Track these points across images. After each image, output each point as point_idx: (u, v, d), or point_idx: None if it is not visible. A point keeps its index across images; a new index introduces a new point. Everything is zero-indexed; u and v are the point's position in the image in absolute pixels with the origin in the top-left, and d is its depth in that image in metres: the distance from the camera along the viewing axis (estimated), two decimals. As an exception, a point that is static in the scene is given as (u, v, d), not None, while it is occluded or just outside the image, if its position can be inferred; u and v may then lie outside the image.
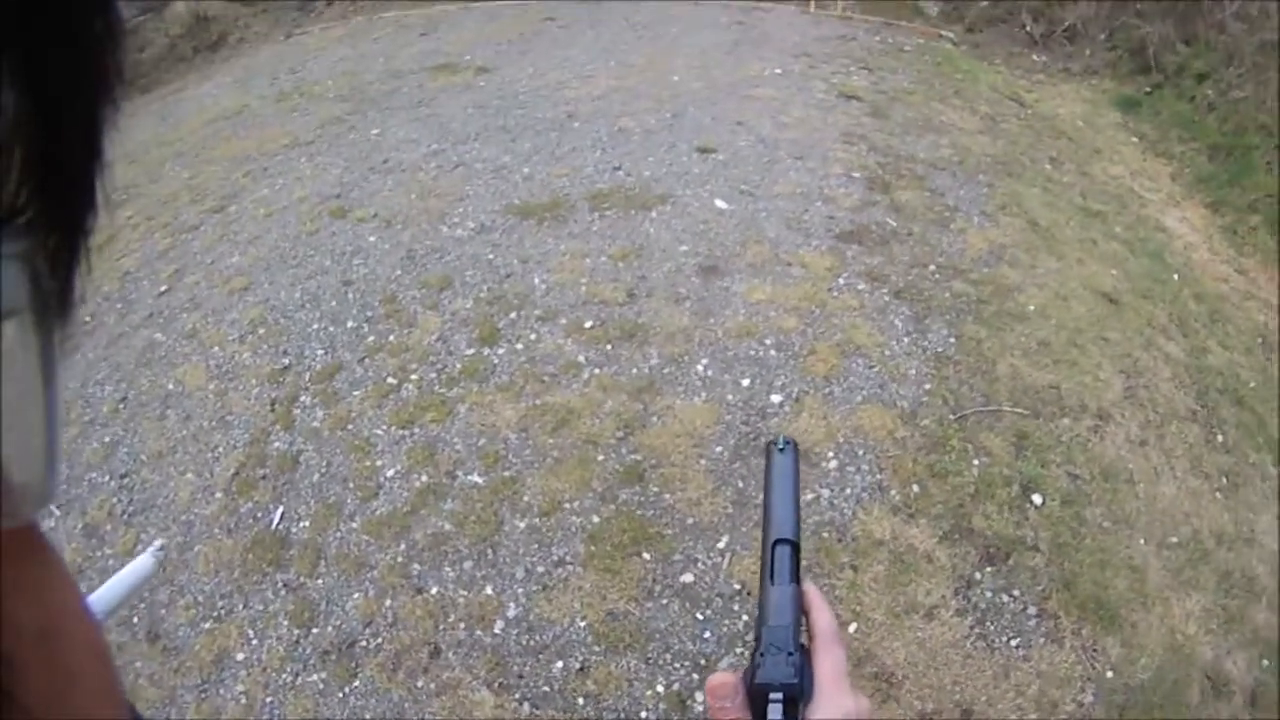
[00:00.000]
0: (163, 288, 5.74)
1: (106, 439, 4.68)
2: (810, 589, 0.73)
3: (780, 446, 0.80)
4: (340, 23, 12.31)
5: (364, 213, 6.03)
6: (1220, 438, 4.92)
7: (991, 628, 3.63)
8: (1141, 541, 4.16)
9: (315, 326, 5.04)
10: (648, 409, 4.27)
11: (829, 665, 0.68)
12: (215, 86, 10.25)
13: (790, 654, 0.66)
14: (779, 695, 0.64)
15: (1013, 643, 3.60)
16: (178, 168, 7.63)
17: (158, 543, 1.90)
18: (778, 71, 8.55)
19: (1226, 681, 3.81)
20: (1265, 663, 3.96)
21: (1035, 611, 3.74)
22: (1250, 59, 9.26)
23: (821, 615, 0.71)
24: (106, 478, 4.46)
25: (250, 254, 5.87)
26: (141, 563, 1.47)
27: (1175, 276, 6.23)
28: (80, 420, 4.88)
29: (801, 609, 0.71)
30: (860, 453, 4.11)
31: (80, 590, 0.43)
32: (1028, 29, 11.55)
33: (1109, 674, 3.60)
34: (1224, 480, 4.69)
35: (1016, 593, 3.78)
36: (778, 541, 0.74)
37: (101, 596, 1.39)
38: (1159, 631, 3.83)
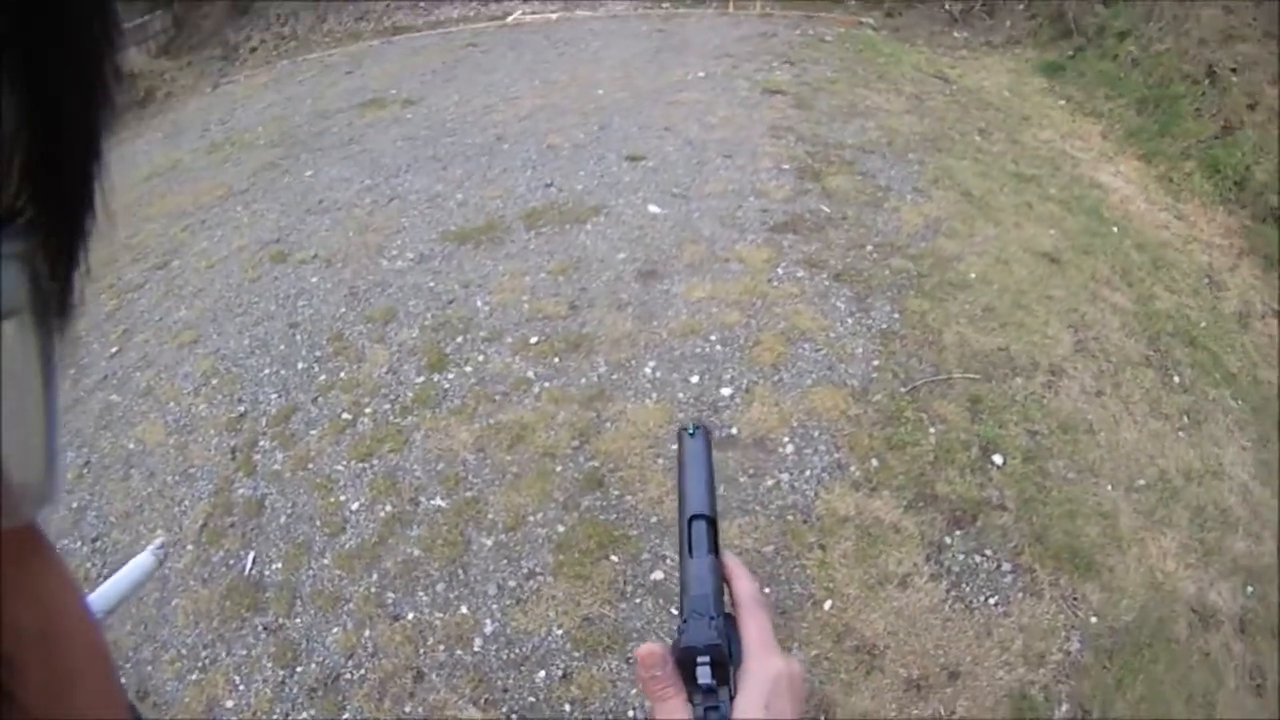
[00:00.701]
0: (113, 349, 5.73)
1: (74, 504, 4.68)
2: (729, 558, 0.74)
3: (691, 431, 0.83)
4: (265, 69, 12.36)
5: (304, 255, 6.09)
6: (1176, 379, 5.04)
7: (968, 589, 3.70)
8: (1109, 488, 4.25)
9: (267, 371, 5.08)
10: (600, 416, 4.35)
11: (754, 629, 0.69)
12: (146, 143, 10.23)
13: (712, 618, 0.68)
14: (706, 658, 0.65)
15: (991, 601, 3.67)
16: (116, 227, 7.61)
17: (158, 540, 1.88)
18: (701, 74, 8.74)
19: (1213, 612, 3.91)
20: (1250, 589, 4.07)
21: (1010, 568, 3.80)
22: (1169, 12, 9.51)
23: (742, 582, 0.72)
24: (78, 543, 4.46)
25: (196, 307, 5.89)
26: (142, 560, 1.48)
27: (1114, 229, 6.37)
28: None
29: (722, 578, 0.72)
30: (816, 434, 4.18)
31: (80, 590, 0.43)
32: (946, 7, 11.83)
33: (1092, 619, 3.68)
34: (1185, 419, 4.81)
35: (989, 552, 3.84)
36: (694, 517, 0.75)
37: (102, 595, 1.41)
38: (1137, 572, 3.92)
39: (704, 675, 0.66)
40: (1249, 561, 4.19)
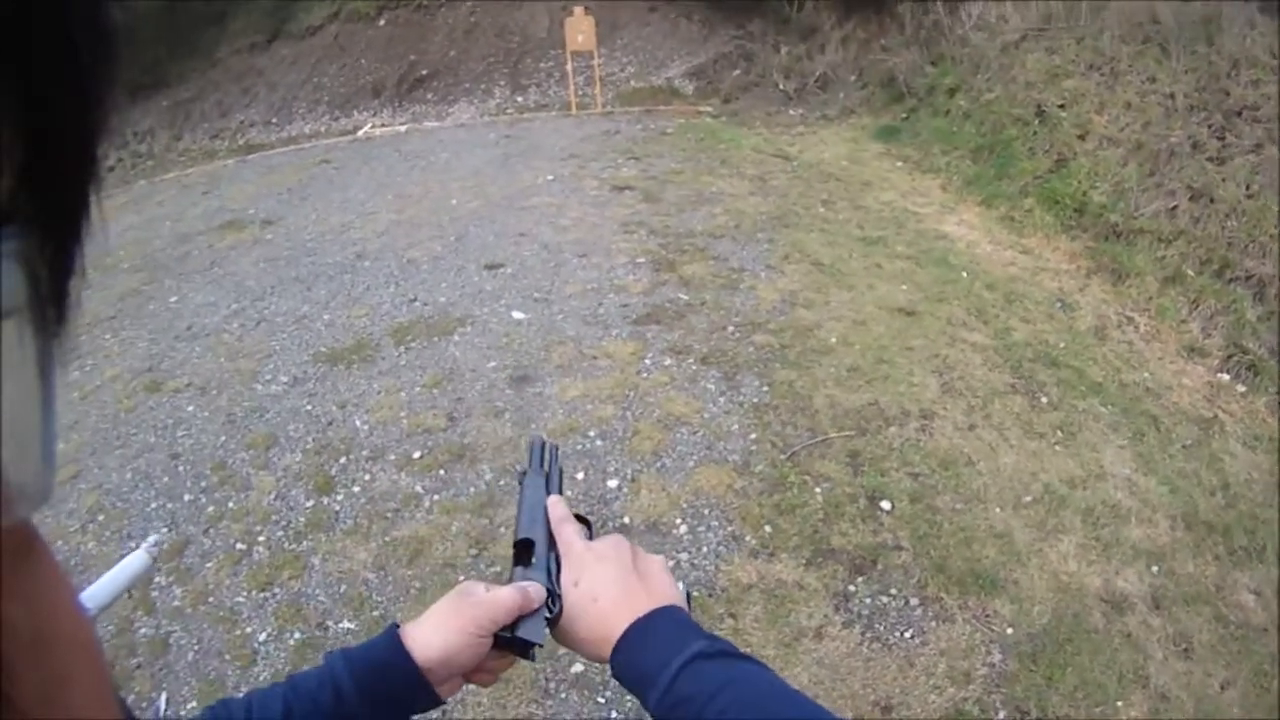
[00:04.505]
0: (-10, 493, 6.01)
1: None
2: (551, 499, 1.12)
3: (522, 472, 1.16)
4: (123, 189, 13.06)
5: (178, 383, 6.55)
6: (1044, 399, 6.08)
7: (881, 628, 4.43)
8: (998, 510, 5.15)
9: (153, 505, 5.40)
10: (494, 522, 5.01)
11: (566, 534, 1.06)
12: (0, 269, 10.58)
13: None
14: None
15: (906, 635, 4.40)
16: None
17: (152, 538, 2.00)
18: (550, 178, 10.01)
19: (1123, 598, 4.77)
20: (1155, 569, 4.98)
21: (918, 602, 4.57)
22: (995, 61, 11.18)
23: (556, 508, 1.10)
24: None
25: (74, 440, 6.19)
26: (136, 559, 1.76)
27: (964, 274, 7.59)
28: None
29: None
30: (706, 512, 4.98)
31: (73, 589, 0.48)
32: (781, 87, 13.56)
33: (1009, 630, 4.46)
34: (1059, 434, 5.83)
35: (894, 591, 4.61)
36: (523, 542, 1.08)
37: (96, 593, 1.65)
38: (1041, 579, 4.78)
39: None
40: (1148, 545, 5.14)
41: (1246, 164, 8.44)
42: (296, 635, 4.46)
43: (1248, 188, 8.22)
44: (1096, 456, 5.66)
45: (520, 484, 1.13)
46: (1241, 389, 6.70)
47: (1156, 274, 7.69)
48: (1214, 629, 4.75)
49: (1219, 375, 6.82)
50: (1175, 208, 8.24)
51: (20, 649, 0.40)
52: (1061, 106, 9.89)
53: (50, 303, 0.37)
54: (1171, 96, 9.53)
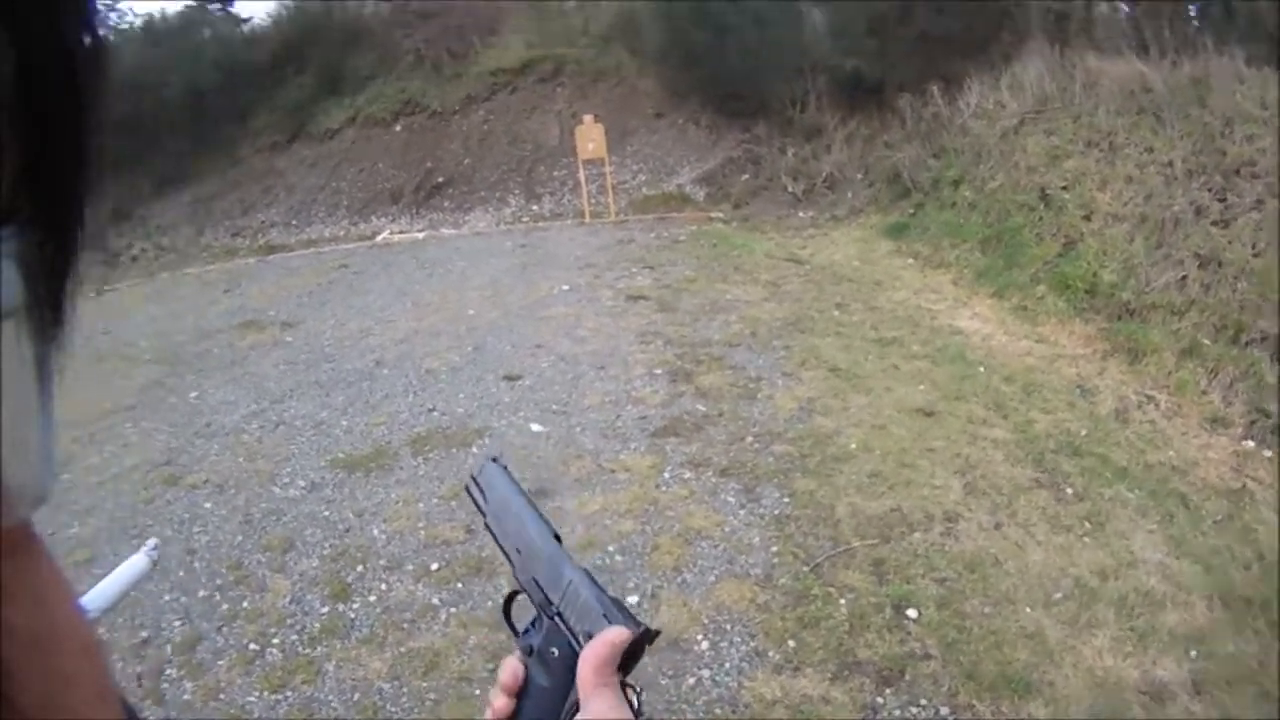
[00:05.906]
0: (3, 568, 6.00)
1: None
2: None
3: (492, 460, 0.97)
4: (146, 280, 13.64)
5: (195, 479, 6.62)
6: (1069, 490, 6.09)
7: (912, 741, 4.39)
8: (1028, 610, 5.11)
9: (168, 598, 5.39)
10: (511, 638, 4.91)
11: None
12: (33, 342, 10.80)
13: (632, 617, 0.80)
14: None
15: (938, 745, 4.38)
16: (0, 439, 7.98)
17: (151, 541, 1.98)
18: (566, 288, 10.28)
19: (1163, 687, 4.70)
20: (1193, 653, 4.91)
21: (949, 711, 4.52)
22: (996, 148, 11.45)
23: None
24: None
25: (90, 524, 6.24)
26: (135, 562, 1.76)
27: (981, 369, 7.70)
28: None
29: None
30: (728, 627, 4.97)
31: (74, 591, 0.48)
32: (790, 189, 13.87)
33: None
34: (1087, 525, 5.83)
35: (924, 701, 4.57)
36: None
37: (95, 596, 1.64)
38: (1078, 676, 4.71)
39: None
40: (1185, 629, 5.08)
41: (1250, 222, 8.57)
42: (311, 741, 4.47)
43: (1254, 246, 8.33)
44: (1126, 544, 5.64)
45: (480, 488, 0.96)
46: (1268, 454, 6.70)
47: (1173, 348, 7.76)
48: (1259, 708, 4.69)
49: (1244, 443, 6.83)
50: (1185, 277, 8.33)
51: (21, 651, 0.41)
52: (1065, 188, 10.10)
53: (48, 305, 0.39)
54: (1170, 164, 9.70)
